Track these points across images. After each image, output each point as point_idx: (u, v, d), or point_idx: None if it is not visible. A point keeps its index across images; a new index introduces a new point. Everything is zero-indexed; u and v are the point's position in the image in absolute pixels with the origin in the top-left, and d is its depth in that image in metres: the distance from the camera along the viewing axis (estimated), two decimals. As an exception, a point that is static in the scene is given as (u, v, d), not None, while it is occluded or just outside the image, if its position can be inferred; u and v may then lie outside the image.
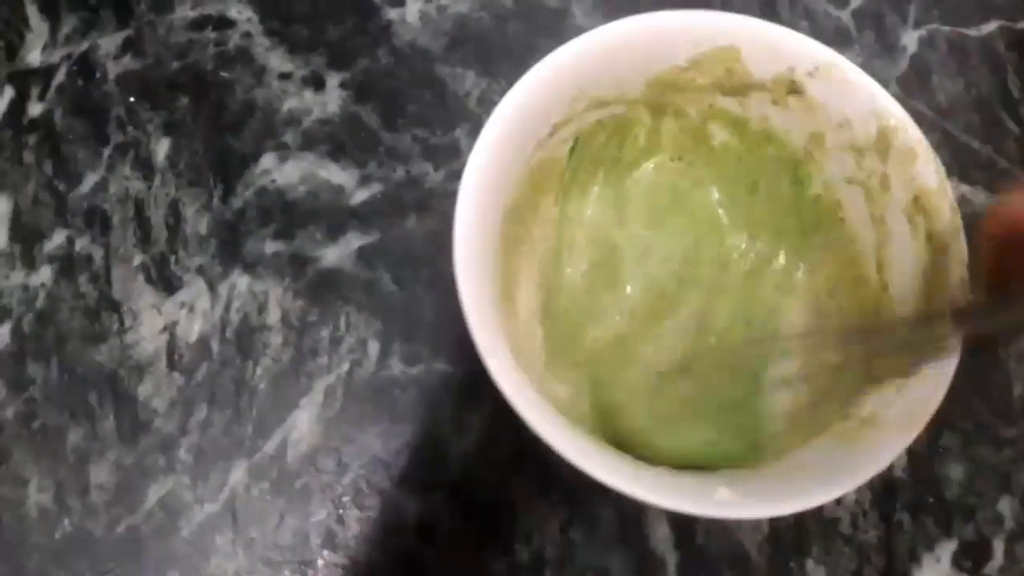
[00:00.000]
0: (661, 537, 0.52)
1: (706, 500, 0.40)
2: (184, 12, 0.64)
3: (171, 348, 0.54)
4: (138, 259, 0.56)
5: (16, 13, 0.63)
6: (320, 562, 0.50)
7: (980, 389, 0.56)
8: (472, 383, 0.54)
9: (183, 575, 0.50)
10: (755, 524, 0.52)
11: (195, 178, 0.59)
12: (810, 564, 0.52)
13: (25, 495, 0.51)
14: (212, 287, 0.56)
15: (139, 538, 0.51)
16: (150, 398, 0.53)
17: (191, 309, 0.55)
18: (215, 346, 0.55)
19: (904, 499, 0.53)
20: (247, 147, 0.60)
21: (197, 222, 0.58)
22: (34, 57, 0.62)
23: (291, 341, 0.55)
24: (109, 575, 0.50)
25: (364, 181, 0.59)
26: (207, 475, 0.52)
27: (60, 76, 0.61)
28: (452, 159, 0.60)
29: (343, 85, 0.62)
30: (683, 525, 0.52)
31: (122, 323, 0.55)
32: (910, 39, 0.66)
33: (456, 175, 0.53)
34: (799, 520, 0.52)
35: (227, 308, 0.55)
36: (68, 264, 0.56)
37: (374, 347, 0.55)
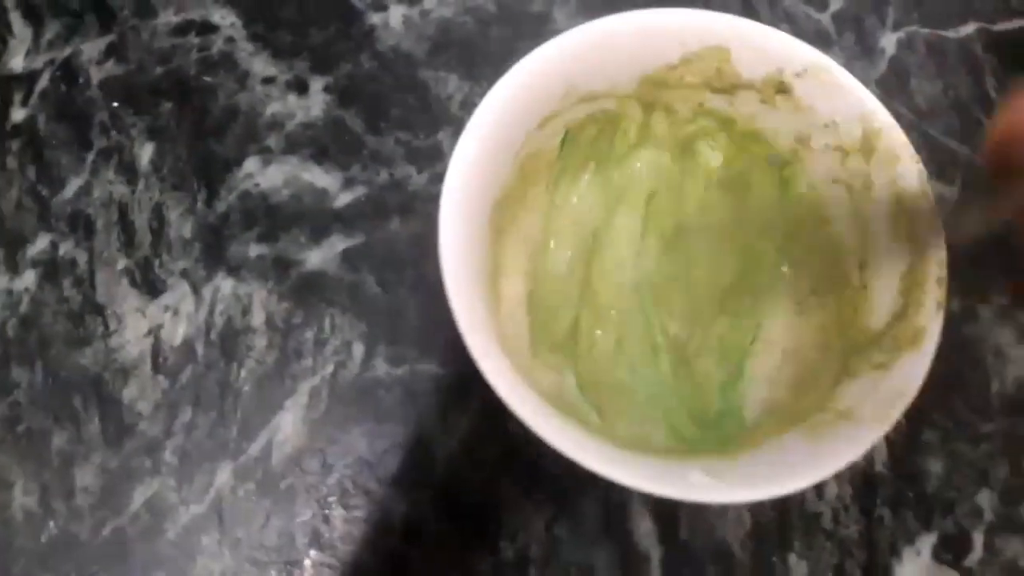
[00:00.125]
0: (645, 532, 0.52)
1: (682, 483, 0.40)
2: (167, 17, 0.64)
3: (156, 351, 0.55)
4: (122, 263, 0.56)
5: (-1, 19, 0.63)
6: (306, 562, 0.51)
7: (959, 385, 0.56)
8: (457, 383, 0.54)
9: (169, 576, 0.50)
10: (737, 518, 0.52)
11: (179, 182, 0.59)
12: (792, 558, 0.52)
13: (10, 498, 0.51)
14: (196, 290, 0.56)
15: (125, 540, 0.51)
16: (135, 401, 0.53)
17: (175, 312, 0.55)
18: (200, 349, 0.55)
19: (884, 494, 0.54)
20: (231, 151, 0.60)
21: (181, 226, 0.58)
22: (17, 63, 0.62)
23: (275, 343, 0.55)
24: (95, 577, 0.50)
25: (348, 184, 0.59)
26: (192, 477, 0.52)
27: (43, 81, 0.61)
28: (435, 162, 0.60)
29: (327, 89, 0.62)
30: (667, 520, 0.52)
31: (106, 327, 0.55)
32: (889, 41, 0.66)
33: (439, 178, 0.53)
34: (781, 515, 0.53)
35: (211, 311, 0.56)
36: (52, 268, 0.56)
37: (359, 349, 0.55)
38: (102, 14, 0.64)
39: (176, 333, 0.55)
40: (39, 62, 0.62)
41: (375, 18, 0.65)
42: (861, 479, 0.54)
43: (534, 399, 0.41)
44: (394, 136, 0.61)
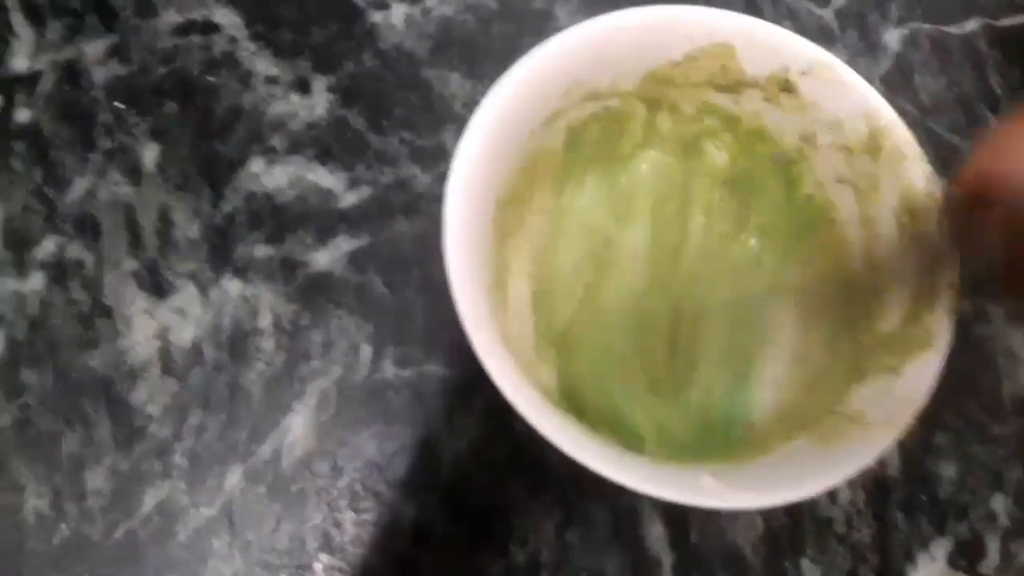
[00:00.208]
0: (656, 537, 0.52)
1: (693, 489, 0.40)
2: (169, 18, 0.64)
3: (164, 353, 0.55)
4: (129, 265, 0.56)
5: (1, 20, 0.63)
6: (317, 566, 0.51)
7: (970, 387, 0.56)
8: (465, 385, 0.54)
9: (181, 579, 0.51)
10: (749, 523, 0.53)
11: (184, 183, 0.59)
12: (805, 563, 0.52)
13: (22, 501, 0.51)
14: (204, 292, 0.56)
15: (136, 543, 0.51)
16: (144, 403, 0.53)
17: (183, 314, 0.55)
18: (208, 351, 0.55)
19: (897, 498, 0.54)
20: (234, 152, 0.60)
21: (187, 227, 0.58)
22: (20, 63, 0.62)
23: (283, 345, 0.55)
24: (107, 580, 0.50)
25: (352, 184, 0.59)
26: (203, 480, 0.52)
27: (46, 82, 0.61)
28: (439, 161, 0.60)
29: (329, 89, 0.62)
30: (678, 525, 0.52)
31: (115, 329, 0.55)
32: (892, 38, 0.66)
33: (444, 178, 0.53)
34: (794, 519, 0.53)
35: (219, 313, 0.56)
36: (60, 271, 0.56)
37: (366, 350, 0.55)
38: (104, 14, 0.63)
39: (184, 335, 0.55)
40: (42, 62, 0.62)
41: (377, 17, 0.65)
42: (874, 483, 0.54)
43: (539, 400, 0.41)
44: (398, 135, 0.61)
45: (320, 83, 0.62)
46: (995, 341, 0.58)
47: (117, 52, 0.62)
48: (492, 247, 0.47)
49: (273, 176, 0.59)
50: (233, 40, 0.63)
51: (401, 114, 0.62)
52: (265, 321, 0.56)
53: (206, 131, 0.60)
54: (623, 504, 0.52)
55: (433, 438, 0.53)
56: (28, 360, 0.54)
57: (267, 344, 0.55)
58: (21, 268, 0.56)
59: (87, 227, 0.57)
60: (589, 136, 0.52)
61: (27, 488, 0.52)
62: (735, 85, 0.50)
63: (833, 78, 0.48)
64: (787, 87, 0.49)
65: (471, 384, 0.54)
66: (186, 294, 0.56)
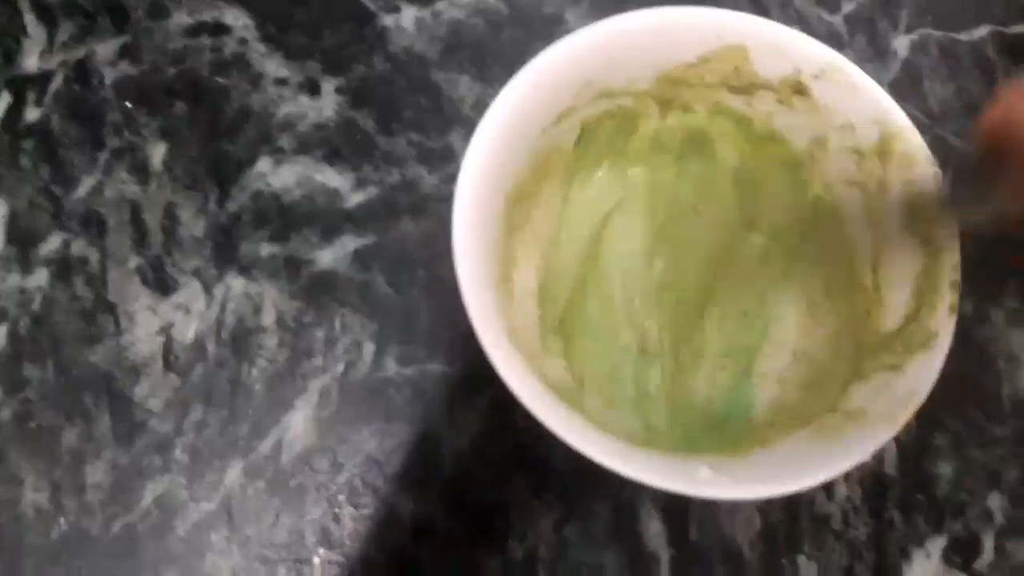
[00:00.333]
0: (654, 533, 0.52)
1: (690, 479, 0.40)
2: (180, 19, 0.64)
3: (167, 349, 0.55)
4: (134, 262, 0.57)
5: (13, 19, 0.63)
6: (316, 560, 0.51)
7: (970, 388, 0.56)
8: (467, 383, 0.54)
9: (179, 574, 0.50)
10: (747, 519, 0.52)
11: (191, 182, 0.59)
12: (802, 560, 0.52)
13: (21, 495, 0.51)
14: (207, 289, 0.56)
15: (135, 537, 0.51)
16: (146, 399, 0.53)
17: (187, 311, 0.56)
18: (211, 347, 0.55)
19: (895, 496, 0.54)
20: (243, 151, 0.60)
21: (193, 225, 0.58)
22: (31, 63, 0.62)
23: (286, 342, 0.55)
24: (105, 574, 0.50)
25: (359, 184, 0.59)
26: (203, 475, 0.52)
27: (57, 82, 0.62)
28: (447, 163, 0.60)
29: (339, 90, 0.62)
30: (676, 521, 0.52)
31: (118, 325, 0.55)
32: (901, 44, 0.66)
33: (451, 179, 0.54)
34: (791, 516, 0.53)
35: (222, 310, 0.56)
36: (64, 267, 0.56)
37: (369, 348, 0.55)
38: (116, 15, 0.64)
39: (187, 331, 0.55)
40: (53, 62, 0.62)
41: (387, 20, 0.65)
42: (871, 481, 0.54)
43: (544, 392, 0.41)
44: (406, 137, 0.61)
45: (329, 85, 0.62)
46: (996, 344, 0.57)
47: (128, 52, 0.63)
48: (499, 242, 0.47)
49: (280, 176, 0.59)
50: (243, 42, 0.63)
51: (410, 116, 0.62)
52: (268, 318, 0.56)
53: (215, 131, 0.61)
54: (622, 500, 0.52)
55: (433, 435, 0.53)
56: (30, 355, 0.54)
57: (270, 341, 0.55)
58: (26, 264, 0.56)
59: (93, 224, 0.57)
60: (602, 132, 0.52)
61: (26, 482, 0.52)
62: (748, 87, 0.50)
63: (846, 82, 0.48)
64: (800, 89, 0.49)
65: (473, 382, 0.54)
66: (190, 291, 0.56)
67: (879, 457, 0.54)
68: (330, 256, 0.57)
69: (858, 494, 0.53)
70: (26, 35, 0.63)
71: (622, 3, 0.48)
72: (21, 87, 0.61)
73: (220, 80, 0.62)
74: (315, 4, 0.65)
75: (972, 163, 0.40)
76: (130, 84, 0.62)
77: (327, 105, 0.62)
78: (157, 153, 0.60)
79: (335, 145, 0.61)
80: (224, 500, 0.52)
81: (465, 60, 0.64)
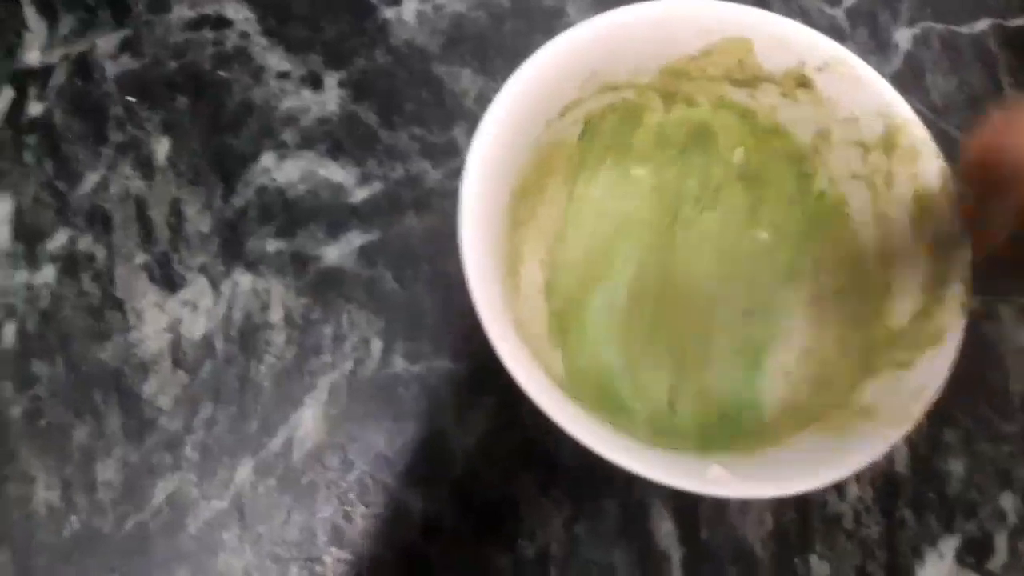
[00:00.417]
0: (665, 532, 0.52)
1: (704, 478, 0.40)
2: (182, 12, 0.64)
3: (175, 346, 0.55)
4: (140, 258, 0.57)
5: (14, 14, 0.63)
6: (327, 558, 0.51)
7: (979, 385, 0.56)
8: (474, 379, 0.54)
9: (191, 572, 0.50)
10: (759, 519, 0.53)
11: (195, 177, 0.59)
12: (814, 559, 0.52)
13: (32, 492, 0.51)
14: (215, 285, 0.56)
15: (147, 535, 0.51)
16: (155, 396, 0.54)
17: (194, 307, 0.56)
18: (219, 344, 0.55)
19: (906, 495, 0.54)
20: (246, 146, 0.60)
21: (198, 221, 0.58)
22: (32, 57, 0.62)
23: (294, 339, 0.55)
24: (117, 572, 0.50)
25: (364, 179, 0.59)
26: (214, 472, 0.52)
27: (59, 76, 0.61)
28: (450, 157, 0.60)
29: (341, 84, 0.62)
30: (687, 520, 0.53)
31: (126, 321, 0.55)
32: (903, 37, 0.66)
33: (454, 173, 0.54)
34: (802, 515, 0.53)
35: (230, 306, 0.56)
36: (71, 263, 0.56)
37: (377, 345, 0.55)
38: (116, 9, 0.64)
39: (195, 328, 0.55)
40: (54, 56, 0.62)
41: (389, 12, 0.65)
42: (882, 480, 0.54)
43: (551, 387, 0.41)
44: (409, 131, 0.61)
45: (332, 78, 0.62)
46: (1004, 340, 0.58)
47: (129, 46, 0.63)
48: (505, 236, 0.47)
49: (284, 171, 0.59)
50: (245, 35, 0.63)
51: (412, 110, 0.62)
52: (276, 315, 0.56)
53: (218, 126, 0.61)
54: (633, 499, 0.52)
55: (442, 432, 0.53)
56: (39, 352, 0.54)
57: (278, 338, 0.55)
58: (32, 261, 0.56)
59: (98, 220, 0.57)
60: (605, 126, 0.52)
61: (37, 480, 0.52)
62: (752, 80, 0.50)
63: (850, 74, 0.48)
64: (804, 82, 0.49)
65: (481, 379, 0.54)
66: (197, 287, 0.56)
67: (890, 456, 0.54)
68: (336, 252, 0.57)
69: (870, 493, 0.54)
70: (27, 29, 0.63)
71: (623, -2, 0.49)
72: (23, 81, 0.61)
73: (222, 74, 0.62)
74: (316, -3, 0.65)
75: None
76: (132, 78, 0.62)
77: (330, 99, 0.62)
78: (161, 148, 0.60)
79: (338, 139, 0.61)
80: (235, 498, 0.52)
81: (467, 53, 0.64)
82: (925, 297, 0.44)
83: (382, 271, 0.57)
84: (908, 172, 0.46)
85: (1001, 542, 0.54)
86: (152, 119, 0.61)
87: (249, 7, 0.64)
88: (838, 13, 0.67)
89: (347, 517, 0.52)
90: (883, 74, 0.48)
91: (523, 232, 0.51)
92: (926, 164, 0.46)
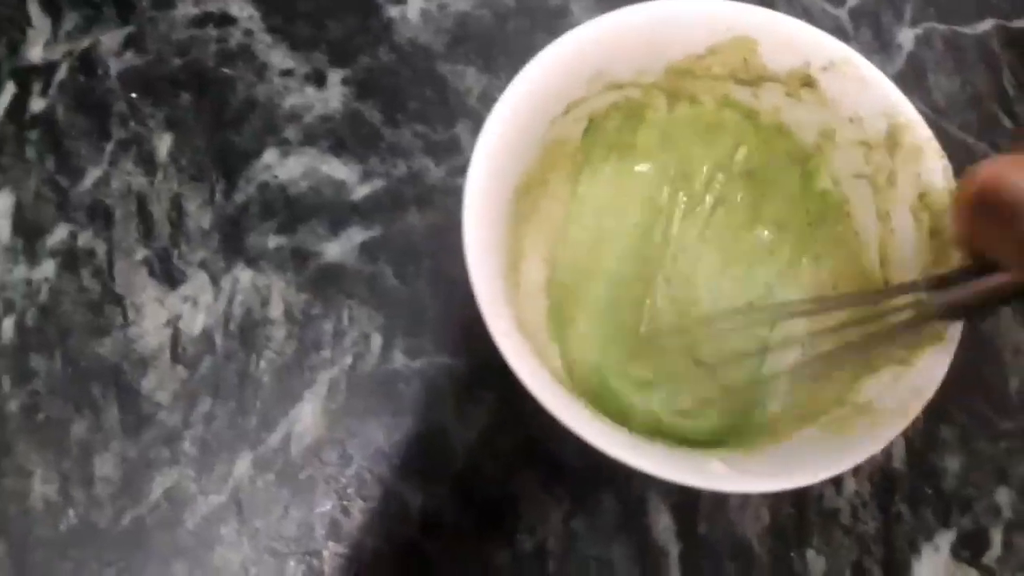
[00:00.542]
0: (663, 527, 0.52)
1: (701, 472, 0.40)
2: (186, 9, 0.64)
3: (174, 341, 0.55)
4: (141, 253, 0.57)
5: (18, 10, 0.63)
6: (325, 553, 0.51)
7: (977, 383, 0.56)
8: (474, 375, 0.54)
9: (188, 566, 0.50)
10: (756, 514, 0.53)
11: (197, 173, 0.59)
12: (811, 554, 0.52)
13: (30, 487, 0.51)
14: (215, 281, 0.56)
15: (144, 529, 0.51)
16: (154, 391, 0.53)
17: (194, 303, 0.56)
18: (218, 339, 0.55)
19: (903, 491, 0.54)
20: (249, 143, 0.60)
21: (199, 217, 0.58)
22: (36, 53, 0.62)
23: (294, 335, 0.55)
24: (114, 567, 0.50)
25: (366, 176, 0.59)
26: (212, 467, 0.52)
27: (62, 72, 0.62)
28: (453, 155, 0.60)
29: (344, 82, 0.62)
30: (685, 515, 0.52)
31: (125, 316, 0.55)
32: (906, 37, 0.66)
33: (456, 171, 0.54)
34: (800, 511, 0.53)
35: (230, 302, 0.56)
36: (71, 258, 0.56)
37: (376, 340, 0.55)
38: (121, 5, 0.64)
39: (195, 323, 0.55)
40: (58, 53, 0.62)
41: (393, 11, 0.65)
42: (879, 476, 0.54)
43: (553, 382, 0.41)
44: (412, 129, 0.61)
45: (335, 76, 0.62)
46: (1002, 337, 0.58)
47: (133, 43, 0.63)
48: (508, 233, 0.47)
49: (287, 167, 0.59)
50: (249, 33, 0.63)
51: (416, 108, 0.62)
52: (276, 310, 0.56)
53: (220, 122, 0.61)
54: (631, 494, 0.52)
55: (442, 428, 0.53)
56: (37, 346, 0.54)
57: (278, 333, 0.55)
58: (32, 256, 0.56)
59: (99, 216, 0.57)
60: (609, 125, 0.52)
61: (35, 474, 0.52)
62: (756, 79, 0.50)
63: (854, 74, 0.48)
64: (808, 82, 0.49)
65: (480, 375, 0.54)
66: (197, 283, 0.56)
67: (887, 452, 0.54)
68: (337, 248, 0.57)
69: (867, 489, 0.54)
70: (31, 25, 0.63)
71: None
72: (26, 78, 0.61)
73: (226, 71, 0.62)
74: (320, -5, 0.65)
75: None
76: (135, 75, 0.62)
77: (333, 96, 0.62)
78: (163, 144, 0.60)
79: (341, 137, 0.61)
80: (233, 492, 0.52)
81: (471, 52, 0.64)
82: (925, 295, 0.44)
83: (383, 267, 0.57)
84: (911, 172, 0.46)
85: (996, 536, 0.53)
86: (155, 115, 0.61)
87: (253, 4, 0.64)
88: (841, 13, 0.67)
89: (345, 512, 0.51)
90: (886, 74, 0.48)
91: (525, 229, 0.51)
92: (930, 164, 0.45)
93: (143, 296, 0.56)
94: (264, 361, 0.54)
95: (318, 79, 0.62)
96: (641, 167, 0.55)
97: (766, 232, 0.54)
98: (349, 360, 0.55)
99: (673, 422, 0.50)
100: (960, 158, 0.50)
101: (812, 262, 0.53)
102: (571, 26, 0.46)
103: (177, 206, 0.58)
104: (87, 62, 0.62)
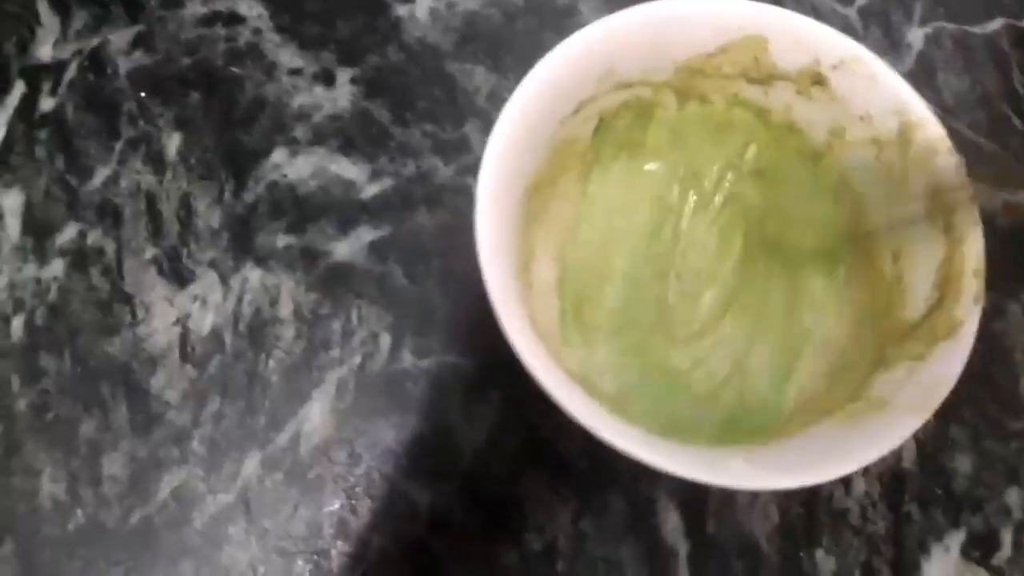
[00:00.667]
0: (672, 527, 0.52)
1: (720, 471, 0.40)
2: (195, 8, 0.64)
3: (184, 341, 0.55)
4: (150, 252, 0.57)
5: (27, 8, 0.63)
6: (333, 552, 0.51)
7: (988, 382, 0.56)
8: (483, 375, 0.54)
9: (196, 566, 0.50)
10: (765, 514, 0.52)
11: (206, 172, 0.59)
12: (820, 554, 0.52)
13: (38, 486, 0.51)
14: (224, 280, 0.56)
15: (152, 529, 0.51)
16: (163, 390, 0.53)
17: (203, 302, 0.56)
18: (228, 339, 0.55)
19: (913, 491, 0.54)
20: (258, 142, 0.60)
21: (209, 216, 0.58)
22: (45, 52, 0.62)
23: (303, 334, 0.55)
24: (122, 566, 0.50)
25: (375, 176, 0.59)
26: (220, 466, 0.52)
27: (71, 71, 0.62)
28: (462, 154, 0.60)
29: (353, 81, 0.62)
30: (694, 515, 0.52)
31: (134, 316, 0.55)
32: (916, 37, 0.66)
33: (465, 170, 0.54)
34: (809, 510, 0.53)
35: (239, 301, 0.56)
36: (80, 257, 0.56)
37: (385, 340, 0.55)
38: (129, 4, 0.64)
39: (204, 323, 0.55)
40: (67, 52, 0.62)
41: (402, 10, 0.65)
42: (889, 476, 0.54)
43: (568, 381, 0.41)
44: (421, 128, 0.61)
45: (344, 75, 0.62)
46: (1012, 337, 0.57)
47: (142, 42, 0.63)
48: (518, 233, 0.47)
49: (296, 167, 0.59)
50: (258, 32, 0.63)
51: (424, 107, 0.62)
52: (285, 310, 0.56)
53: (229, 121, 0.61)
54: (639, 494, 0.52)
55: (451, 427, 0.53)
56: (47, 345, 0.54)
57: (287, 332, 0.55)
58: (42, 255, 0.56)
59: (108, 214, 0.57)
60: (619, 123, 0.52)
61: (44, 473, 0.52)
62: (767, 78, 0.50)
63: (865, 72, 0.48)
64: (818, 80, 0.49)
65: (489, 374, 0.54)
66: (206, 282, 0.56)
67: (897, 452, 0.54)
68: (346, 248, 0.57)
69: (876, 489, 0.53)
70: (40, 24, 0.63)
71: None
72: (35, 77, 0.61)
73: (234, 70, 0.62)
74: (329, -6, 0.65)
75: None
76: (144, 74, 0.62)
77: (342, 95, 0.62)
78: (172, 143, 0.60)
79: (350, 136, 0.61)
80: (242, 492, 0.51)
81: (480, 51, 0.64)
82: (939, 290, 0.44)
83: (392, 267, 0.57)
84: (923, 168, 0.46)
85: (1006, 537, 0.53)
86: (164, 115, 0.61)
87: (262, 4, 0.64)
88: (851, 12, 0.67)
89: (353, 511, 0.51)
90: (895, 73, 0.48)
91: (536, 228, 0.51)
92: (941, 160, 0.45)
93: (152, 295, 0.56)
94: (273, 360, 0.54)
95: (327, 78, 0.62)
96: (651, 166, 0.55)
97: (779, 230, 0.54)
98: (358, 359, 0.55)
99: (688, 417, 0.50)
100: (969, 157, 0.50)
101: (824, 259, 0.52)
102: (580, 25, 0.46)
103: (186, 205, 0.58)
104: (96, 61, 0.62)
